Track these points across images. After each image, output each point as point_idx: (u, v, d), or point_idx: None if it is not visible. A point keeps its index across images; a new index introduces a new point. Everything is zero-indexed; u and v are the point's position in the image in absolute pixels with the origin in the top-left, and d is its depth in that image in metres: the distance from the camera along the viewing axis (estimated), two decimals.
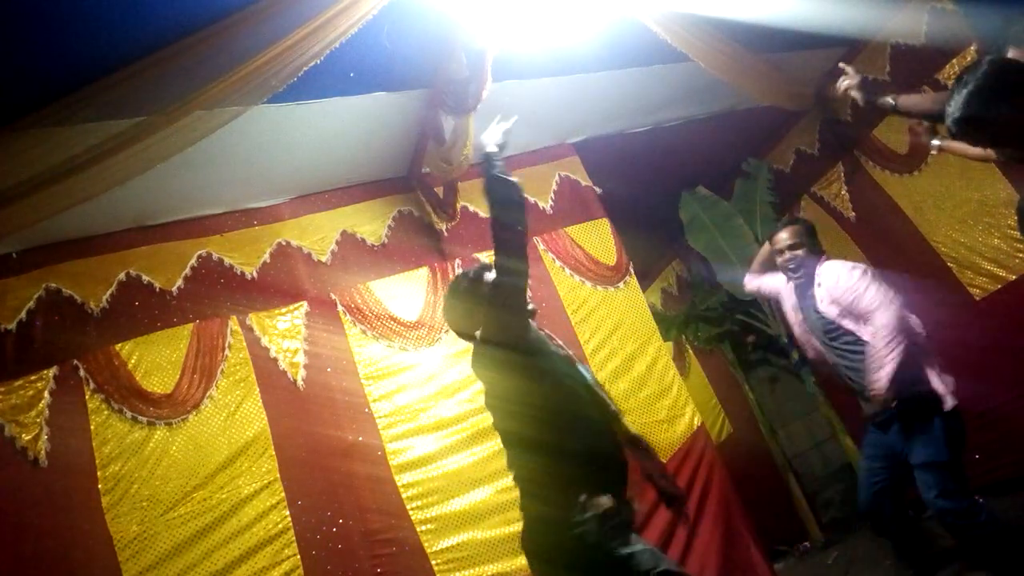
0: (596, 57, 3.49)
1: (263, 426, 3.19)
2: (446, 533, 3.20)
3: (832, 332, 3.00)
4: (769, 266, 3.41)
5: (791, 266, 3.13)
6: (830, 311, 2.99)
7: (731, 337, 5.98)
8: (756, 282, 3.53)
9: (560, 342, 2.19)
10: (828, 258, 3.14)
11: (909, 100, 2.50)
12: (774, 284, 3.36)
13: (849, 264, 3.07)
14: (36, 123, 2.38)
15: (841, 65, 2.94)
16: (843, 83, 2.81)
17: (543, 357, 2.01)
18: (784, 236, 3.16)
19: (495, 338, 2.01)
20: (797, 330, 3.25)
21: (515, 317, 1.98)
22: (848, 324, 2.95)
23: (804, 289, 3.11)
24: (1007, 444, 3.82)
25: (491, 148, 2.08)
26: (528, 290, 2.16)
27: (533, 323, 2.09)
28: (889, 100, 2.53)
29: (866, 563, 4.09)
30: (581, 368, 2.12)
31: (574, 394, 2.02)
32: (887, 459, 2.93)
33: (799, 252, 3.11)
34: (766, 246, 3.40)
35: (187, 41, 2.39)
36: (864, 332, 2.88)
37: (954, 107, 1.76)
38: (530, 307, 2.08)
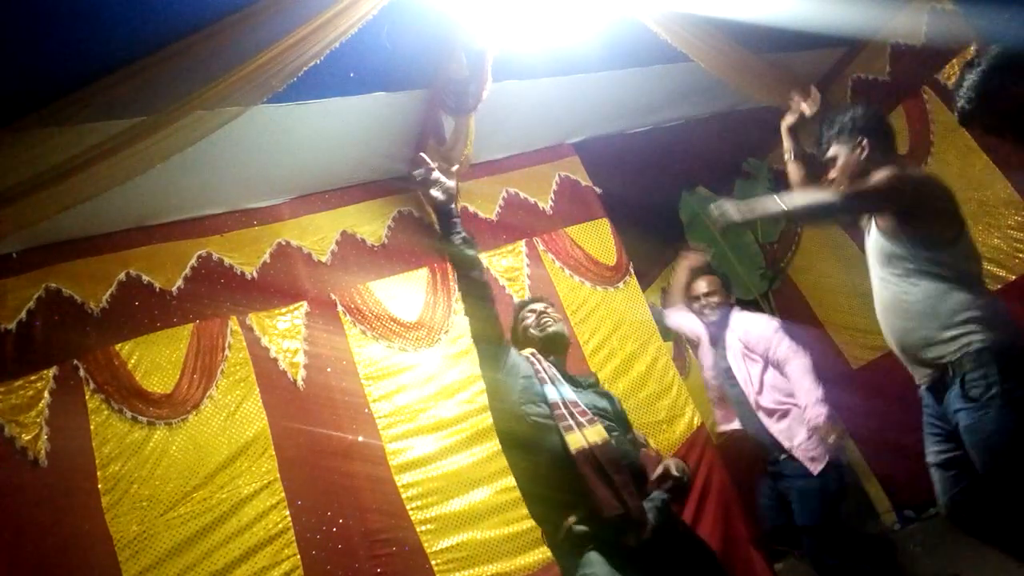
0: (596, 57, 3.49)
1: (263, 426, 3.19)
2: (446, 533, 3.20)
3: (733, 379, 3.32)
4: (679, 301, 3.73)
5: (707, 312, 3.45)
6: (735, 358, 3.29)
7: None
8: (677, 322, 3.79)
9: (536, 358, 2.27)
10: (740, 308, 3.49)
11: (794, 201, 2.20)
12: (693, 326, 3.63)
13: (762, 316, 3.44)
14: (36, 123, 2.38)
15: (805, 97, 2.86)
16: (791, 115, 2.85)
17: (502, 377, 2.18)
18: (703, 285, 3.48)
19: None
20: (710, 372, 3.53)
21: (477, 343, 2.24)
22: (750, 372, 3.24)
23: (717, 334, 3.42)
24: None
25: (451, 205, 2.23)
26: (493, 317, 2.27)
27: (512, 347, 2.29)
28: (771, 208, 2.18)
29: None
30: (547, 388, 2.14)
31: (529, 414, 2.10)
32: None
33: (715, 300, 3.44)
34: (680, 277, 3.71)
35: (187, 41, 2.39)
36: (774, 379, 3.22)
37: (966, 88, 1.85)
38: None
